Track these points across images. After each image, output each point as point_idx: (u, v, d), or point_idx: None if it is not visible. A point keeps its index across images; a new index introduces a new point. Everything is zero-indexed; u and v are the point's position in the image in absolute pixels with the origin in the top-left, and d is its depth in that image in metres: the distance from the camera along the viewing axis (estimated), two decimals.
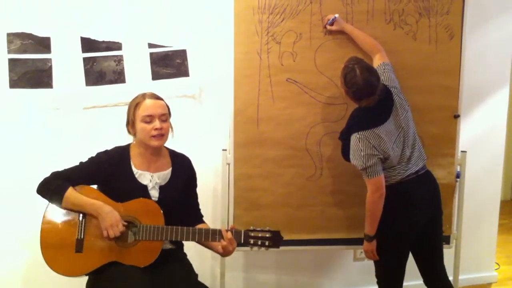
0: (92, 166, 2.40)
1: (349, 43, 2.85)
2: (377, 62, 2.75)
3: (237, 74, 2.81)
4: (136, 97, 2.43)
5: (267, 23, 2.80)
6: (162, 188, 2.42)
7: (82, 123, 2.91)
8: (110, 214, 2.27)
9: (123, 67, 2.92)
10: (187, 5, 2.96)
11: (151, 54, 2.94)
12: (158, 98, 2.43)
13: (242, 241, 2.36)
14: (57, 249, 2.27)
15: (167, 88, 2.95)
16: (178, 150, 2.59)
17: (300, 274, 3.43)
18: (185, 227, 2.33)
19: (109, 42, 2.88)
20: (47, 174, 2.37)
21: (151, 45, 2.94)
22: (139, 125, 2.37)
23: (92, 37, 2.86)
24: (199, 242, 2.43)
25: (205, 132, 3.09)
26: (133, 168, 2.41)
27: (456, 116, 2.96)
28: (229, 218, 2.89)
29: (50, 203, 2.33)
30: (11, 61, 2.78)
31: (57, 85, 2.84)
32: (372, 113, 2.60)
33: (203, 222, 2.58)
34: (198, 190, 2.62)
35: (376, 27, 2.85)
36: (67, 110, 2.88)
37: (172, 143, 2.53)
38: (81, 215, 2.32)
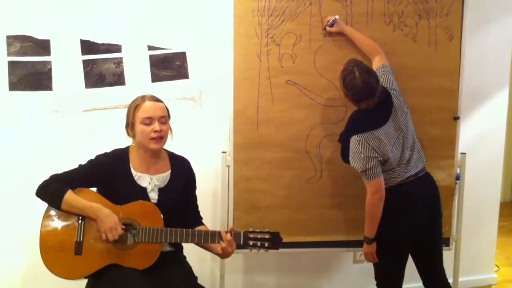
0: (91, 169, 2.39)
1: (348, 45, 2.85)
2: (376, 64, 2.75)
3: (236, 76, 2.81)
4: (136, 99, 2.43)
5: (266, 25, 2.80)
6: (161, 191, 2.42)
7: (82, 125, 2.91)
8: (109, 217, 2.27)
9: (123, 69, 2.92)
10: (186, 7, 2.96)
11: (150, 56, 2.94)
12: (157, 100, 2.43)
13: (242, 243, 2.36)
14: (56, 251, 2.27)
15: (166, 90, 2.95)
16: (178, 152, 2.59)
17: (300, 276, 3.43)
18: (184, 229, 2.32)
19: (109, 44, 2.88)
20: (47, 177, 2.37)
21: (150, 47, 2.94)
22: (139, 127, 2.37)
23: (92, 40, 2.86)
24: (198, 244, 2.43)
25: (205, 134, 3.09)
26: (132, 171, 2.41)
27: (456, 118, 2.96)
28: (228, 220, 2.89)
29: (49, 206, 2.33)
30: (11, 64, 2.78)
31: (56, 88, 2.84)
32: (372, 115, 2.60)
33: (202, 224, 2.58)
34: (198, 192, 2.62)
35: (375, 29, 2.86)
36: (66, 113, 2.88)
37: (172, 145, 2.53)
38: (80, 217, 2.31)
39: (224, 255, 2.38)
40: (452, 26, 2.91)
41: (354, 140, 2.59)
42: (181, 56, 2.99)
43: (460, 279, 3.22)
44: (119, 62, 2.91)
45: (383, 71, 2.72)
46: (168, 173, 2.47)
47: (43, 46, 2.81)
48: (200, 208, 2.62)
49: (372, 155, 2.55)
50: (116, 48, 2.90)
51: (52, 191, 2.31)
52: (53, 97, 2.85)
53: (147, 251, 2.30)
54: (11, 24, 2.76)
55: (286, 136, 2.87)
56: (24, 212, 2.78)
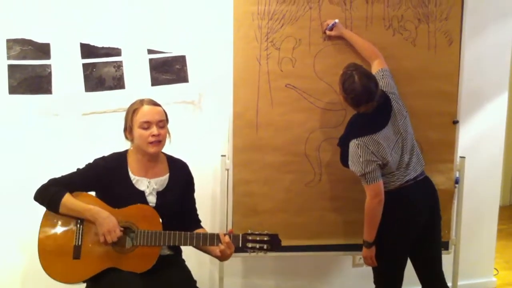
0: (90, 173, 2.40)
1: (348, 49, 2.85)
2: (376, 68, 2.75)
3: (236, 79, 2.82)
4: (134, 103, 2.43)
5: (266, 29, 2.81)
6: (159, 194, 2.42)
7: (81, 129, 2.91)
8: (107, 220, 2.27)
9: (123, 73, 2.92)
10: (186, 11, 2.96)
11: (150, 60, 2.95)
12: (156, 104, 2.43)
13: (240, 245, 2.36)
14: (54, 255, 2.27)
15: (166, 94, 2.95)
16: (178, 155, 2.59)
17: (299, 280, 3.43)
18: (182, 232, 2.32)
19: (109, 48, 2.89)
20: (46, 180, 2.37)
21: (150, 51, 2.94)
22: (137, 131, 2.37)
23: (92, 43, 2.86)
24: (197, 246, 2.43)
25: (204, 138, 3.09)
26: (130, 174, 2.41)
27: (455, 122, 2.96)
28: (227, 223, 2.89)
29: (47, 211, 2.33)
30: (11, 67, 2.78)
31: (56, 91, 2.84)
32: (371, 119, 2.60)
33: (201, 227, 2.58)
34: (197, 195, 2.62)
35: (375, 33, 2.86)
36: (66, 116, 2.88)
37: (172, 148, 2.53)
38: (78, 221, 2.32)
39: (222, 257, 2.38)
40: (451, 30, 2.91)
41: (353, 144, 2.59)
42: (181, 59, 2.99)
43: (459, 282, 3.22)
44: (118, 65, 2.91)
45: (382, 75, 2.72)
46: (166, 176, 2.48)
47: (43, 50, 2.81)
48: (199, 212, 2.62)
49: (371, 159, 2.55)
50: (116, 52, 2.91)
51: (50, 195, 2.32)
52: (53, 101, 2.85)
53: (146, 255, 2.30)
54: (11, 28, 2.76)
55: (286, 140, 2.88)
56: (24, 214, 2.77)
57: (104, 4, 2.86)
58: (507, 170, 5.65)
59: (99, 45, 2.87)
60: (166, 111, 2.48)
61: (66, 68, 2.85)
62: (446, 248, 3.04)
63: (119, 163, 2.43)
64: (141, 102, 2.41)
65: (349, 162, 2.62)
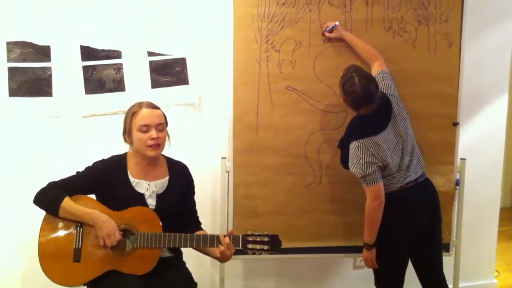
0: (89, 176, 2.40)
1: (348, 51, 2.85)
2: (376, 70, 2.76)
3: (236, 82, 2.82)
4: (133, 106, 2.43)
5: (266, 31, 2.81)
6: (159, 197, 2.42)
7: (81, 131, 2.90)
8: (106, 223, 2.27)
9: (123, 76, 2.92)
10: (186, 13, 2.96)
11: (150, 62, 2.95)
12: (154, 107, 2.43)
13: (241, 246, 2.36)
14: (55, 259, 2.27)
15: (166, 96, 2.96)
16: (178, 157, 2.59)
17: (300, 282, 3.42)
18: (182, 233, 2.32)
19: (109, 50, 2.89)
20: (46, 183, 2.37)
21: (150, 53, 2.94)
22: (136, 134, 2.37)
23: (92, 46, 2.86)
24: (197, 248, 2.43)
25: (205, 140, 3.09)
26: (130, 177, 2.41)
27: (455, 124, 2.96)
28: (228, 226, 2.89)
29: (46, 214, 2.33)
30: (11, 70, 2.78)
31: (56, 94, 2.84)
32: (371, 121, 2.60)
33: (201, 229, 2.57)
34: (198, 198, 2.62)
35: (375, 35, 2.86)
36: (66, 118, 2.88)
37: (172, 151, 2.53)
38: (78, 224, 2.32)
39: (223, 259, 2.38)
40: (451, 32, 2.91)
41: (353, 145, 2.59)
42: (181, 62, 2.99)
43: (460, 284, 3.22)
44: (119, 68, 2.92)
45: (382, 76, 2.72)
46: (166, 179, 2.47)
47: (43, 52, 2.81)
48: (199, 214, 2.62)
49: (371, 160, 2.55)
50: (116, 54, 2.91)
51: (49, 198, 2.32)
52: (53, 103, 2.85)
53: (146, 257, 2.30)
54: (11, 30, 2.76)
55: (286, 142, 2.88)
56: (25, 216, 2.76)
57: (104, 7, 2.86)
58: (508, 172, 5.63)
59: (99, 47, 2.87)
60: (165, 113, 2.48)
61: (66, 71, 2.85)
62: (447, 250, 3.04)
63: (118, 166, 2.43)
64: (140, 105, 2.41)
65: (350, 164, 2.62)
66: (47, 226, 2.32)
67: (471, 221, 3.43)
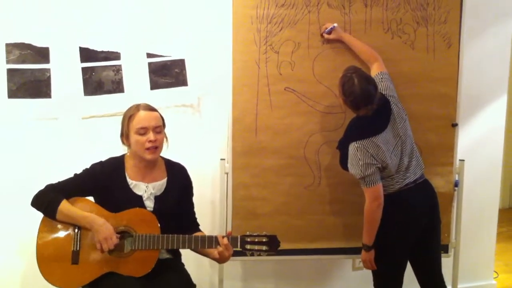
0: (87, 178, 2.40)
1: (347, 52, 2.86)
2: (375, 71, 2.76)
3: (235, 83, 2.82)
4: (130, 109, 2.42)
5: (265, 33, 2.81)
6: (157, 198, 2.42)
7: (80, 132, 2.90)
8: (103, 227, 2.26)
9: (122, 77, 2.92)
10: (185, 15, 2.96)
11: (149, 63, 2.94)
12: (152, 109, 2.42)
13: (239, 247, 2.36)
14: (53, 261, 2.27)
15: (165, 97, 2.95)
16: (177, 159, 2.59)
17: (299, 283, 3.42)
18: (180, 235, 2.32)
19: (108, 52, 2.88)
20: (45, 184, 2.37)
21: (149, 55, 2.94)
22: (133, 137, 2.37)
23: (91, 47, 2.86)
24: (195, 249, 2.43)
25: (204, 141, 3.09)
26: (128, 179, 2.41)
27: (454, 125, 2.96)
28: (227, 227, 2.89)
29: (44, 216, 2.33)
30: (10, 71, 2.78)
31: (55, 95, 2.84)
32: (370, 122, 2.60)
33: (199, 230, 2.58)
34: (197, 199, 2.62)
35: (374, 37, 2.86)
36: (65, 120, 2.88)
37: (171, 152, 2.53)
38: (76, 226, 2.31)
39: (221, 260, 2.38)
40: (450, 33, 2.92)
41: (353, 147, 2.59)
42: (180, 63, 2.99)
43: (459, 286, 3.22)
44: (118, 69, 2.91)
45: (381, 78, 2.72)
46: (164, 181, 2.47)
47: (42, 54, 2.81)
48: (198, 216, 2.62)
49: (370, 162, 2.55)
50: (115, 56, 2.90)
51: (47, 201, 2.32)
52: (52, 105, 2.84)
53: (144, 258, 2.30)
54: (10, 32, 2.76)
55: (285, 143, 2.88)
56: (23, 219, 2.76)
57: (103, 8, 2.86)
58: (507, 173, 5.64)
59: (98, 49, 2.87)
60: (164, 115, 2.48)
61: (65, 72, 2.84)
62: (446, 251, 3.04)
63: (116, 168, 2.42)
64: (137, 107, 2.41)
65: (349, 165, 2.62)
66: (45, 228, 2.32)
67: (470, 222, 3.43)
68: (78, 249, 2.29)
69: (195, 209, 2.61)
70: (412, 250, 2.70)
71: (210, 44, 2.99)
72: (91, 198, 2.42)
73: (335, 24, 2.79)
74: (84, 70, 2.87)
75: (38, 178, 2.44)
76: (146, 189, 2.42)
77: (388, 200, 2.59)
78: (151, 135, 2.35)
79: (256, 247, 2.36)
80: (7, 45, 2.77)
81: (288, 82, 2.85)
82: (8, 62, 2.77)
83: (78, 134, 2.90)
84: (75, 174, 2.42)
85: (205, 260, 2.52)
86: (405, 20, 2.89)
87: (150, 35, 2.93)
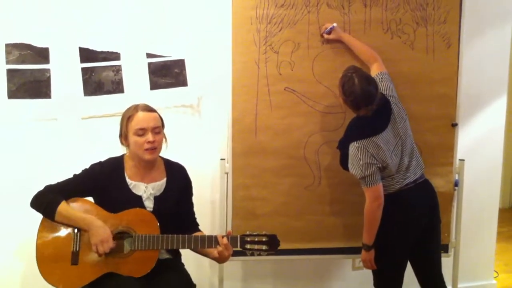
0: (86, 178, 2.40)
1: (346, 52, 2.86)
2: (375, 71, 2.76)
3: (235, 83, 2.82)
4: (129, 109, 2.42)
5: (265, 33, 2.81)
6: (157, 199, 2.42)
7: (80, 133, 2.90)
8: (101, 230, 2.26)
9: (122, 77, 2.92)
10: (185, 15, 2.96)
11: (149, 64, 2.94)
12: (151, 110, 2.42)
13: (239, 246, 2.36)
14: (53, 262, 2.27)
15: (165, 97, 2.95)
16: (177, 159, 2.59)
17: (299, 283, 3.42)
18: (180, 235, 2.32)
19: (108, 52, 2.88)
20: (43, 185, 2.37)
21: (149, 55, 2.94)
22: (132, 138, 2.37)
23: (91, 48, 2.86)
24: (195, 249, 2.43)
25: (203, 142, 3.09)
26: (127, 179, 2.41)
27: (454, 125, 2.96)
28: (227, 227, 2.89)
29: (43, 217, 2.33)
30: (10, 72, 2.78)
31: (55, 95, 2.84)
32: (371, 122, 2.60)
33: (199, 230, 2.58)
34: (197, 200, 2.62)
35: (373, 37, 2.86)
36: (65, 120, 2.88)
37: (171, 152, 2.53)
38: (76, 227, 2.31)
39: (221, 259, 2.38)
40: (449, 33, 2.92)
41: (353, 146, 2.59)
42: (180, 63, 2.99)
43: (459, 285, 3.22)
44: (117, 69, 2.91)
45: (381, 78, 2.72)
46: (164, 181, 2.47)
47: (42, 54, 2.81)
48: (198, 216, 2.62)
49: (371, 161, 2.55)
50: (115, 56, 2.90)
51: (45, 202, 2.32)
52: (52, 105, 2.85)
53: (144, 259, 2.30)
54: (10, 32, 2.76)
55: (285, 143, 2.88)
56: (23, 219, 2.75)
57: (103, 8, 2.86)
58: (507, 173, 5.64)
59: (98, 49, 2.87)
60: (164, 115, 2.48)
61: (65, 73, 2.84)
62: (446, 251, 3.04)
63: (115, 168, 2.42)
64: (136, 108, 2.40)
65: (349, 165, 2.62)
66: (44, 229, 2.32)
67: (470, 222, 3.43)
68: (77, 249, 2.29)
69: (195, 209, 2.62)
70: (412, 250, 2.69)
71: (209, 44, 2.99)
72: (90, 199, 2.42)
73: (335, 24, 2.79)
74: (84, 70, 2.87)
75: (38, 179, 2.44)
76: (146, 189, 2.42)
77: (388, 200, 2.59)
78: (149, 136, 2.35)
79: (256, 247, 2.36)
80: (7, 45, 2.77)
81: (288, 82, 2.85)
82: (8, 62, 2.78)
83: (78, 134, 2.90)
84: (74, 175, 2.42)
85: (205, 260, 2.51)
86: (405, 20, 2.89)
87: (150, 35, 2.93)
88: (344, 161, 2.68)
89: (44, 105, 2.84)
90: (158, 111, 2.47)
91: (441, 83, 2.93)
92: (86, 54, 2.86)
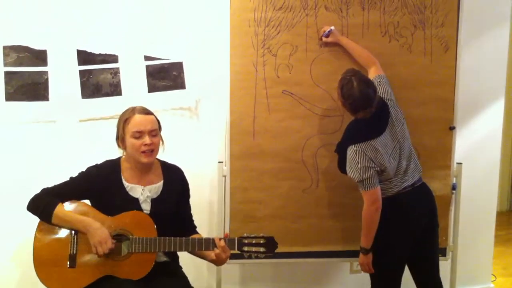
0: (83, 181, 2.39)
1: (344, 56, 2.86)
2: (372, 74, 2.76)
3: (233, 86, 2.82)
4: (126, 112, 2.41)
5: (263, 36, 2.81)
6: (154, 201, 2.42)
7: (78, 135, 2.90)
8: (99, 231, 2.26)
9: (119, 80, 2.92)
10: (183, 17, 2.96)
11: (147, 66, 2.94)
12: (147, 112, 2.41)
13: (236, 249, 2.35)
14: (50, 265, 2.26)
15: (163, 100, 2.95)
16: (175, 162, 2.58)
17: (297, 287, 3.41)
18: (177, 237, 2.31)
19: (105, 54, 2.88)
20: (41, 188, 2.36)
21: (147, 58, 2.94)
22: (129, 140, 2.36)
23: (89, 50, 2.85)
24: (192, 252, 2.42)
25: (201, 144, 3.09)
26: (124, 182, 2.40)
27: (452, 128, 2.97)
28: (225, 230, 2.88)
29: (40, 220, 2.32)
30: (7, 74, 2.78)
31: (53, 98, 2.83)
32: (369, 125, 2.60)
33: (196, 233, 2.57)
34: (194, 202, 2.61)
35: (371, 40, 2.87)
36: (63, 123, 2.88)
37: (168, 155, 2.53)
38: (73, 230, 2.31)
39: (218, 262, 2.37)
40: (447, 36, 2.92)
41: (351, 150, 2.59)
42: (178, 66, 2.99)
43: None
44: (115, 72, 2.91)
45: (379, 81, 2.73)
46: (161, 183, 2.47)
47: (39, 57, 2.80)
48: (196, 219, 2.61)
49: (369, 165, 2.55)
50: (113, 59, 2.90)
51: (42, 205, 2.31)
52: (50, 107, 2.84)
53: (141, 261, 2.29)
54: (7, 35, 2.76)
55: (283, 146, 2.88)
56: (20, 222, 2.74)
57: (101, 11, 2.86)
58: (504, 176, 5.66)
59: (96, 51, 2.87)
60: (162, 118, 2.47)
61: (63, 75, 2.84)
62: (444, 255, 3.04)
63: (112, 171, 2.42)
64: (133, 111, 2.39)
65: (347, 168, 2.62)
66: (42, 232, 2.31)
67: (468, 226, 3.42)
68: (75, 252, 2.28)
69: (193, 212, 2.61)
70: (410, 253, 2.69)
71: (208, 47, 2.99)
72: (87, 202, 2.41)
73: (332, 27, 2.80)
74: (82, 73, 2.87)
75: (36, 181, 2.43)
76: (143, 192, 2.41)
77: (386, 203, 2.59)
78: (146, 139, 2.35)
79: (254, 249, 2.35)
80: (5, 47, 2.76)
81: (286, 85, 2.85)
82: (5, 64, 2.77)
83: (75, 137, 2.90)
84: (71, 178, 2.42)
85: (203, 263, 2.51)
86: (403, 23, 2.89)
87: (148, 38, 2.93)
88: (342, 164, 2.68)
89: (42, 108, 2.83)
90: (156, 113, 2.46)
91: (438, 86, 2.94)
92: (84, 57, 2.86)
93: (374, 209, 2.57)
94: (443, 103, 2.95)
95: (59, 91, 2.84)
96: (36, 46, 2.80)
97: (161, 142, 2.44)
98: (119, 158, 2.47)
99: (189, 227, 2.56)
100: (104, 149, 2.61)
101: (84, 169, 2.43)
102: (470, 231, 3.51)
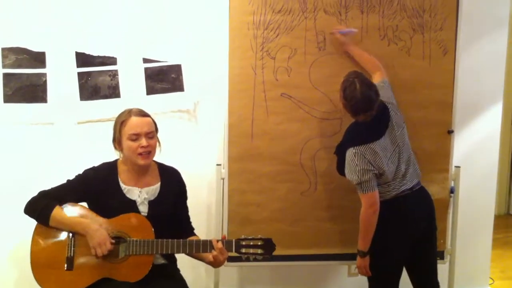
0: (80, 184, 2.39)
1: (343, 59, 2.86)
2: (377, 79, 2.75)
3: (231, 89, 2.82)
4: (122, 114, 2.41)
5: (261, 39, 2.81)
6: (151, 203, 2.41)
7: (76, 137, 2.90)
8: (98, 233, 2.26)
9: (118, 82, 2.92)
10: (182, 20, 2.97)
11: (146, 69, 2.95)
12: (144, 115, 2.41)
13: (234, 250, 2.35)
14: (47, 268, 2.26)
15: (161, 103, 2.96)
16: (173, 164, 2.58)
17: None
18: (175, 239, 2.31)
19: (104, 57, 2.89)
20: (39, 190, 2.36)
21: (146, 60, 2.94)
22: (126, 143, 2.36)
23: (87, 52, 2.86)
24: (189, 254, 2.42)
25: (200, 147, 3.09)
26: (121, 184, 2.40)
27: (450, 132, 2.97)
28: (223, 233, 2.88)
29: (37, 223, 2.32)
30: (6, 76, 2.78)
31: (51, 100, 2.84)
32: (369, 128, 2.60)
33: (194, 235, 2.57)
34: (192, 204, 2.61)
35: (370, 43, 2.87)
36: (61, 125, 2.88)
37: (167, 157, 2.53)
38: (70, 232, 2.30)
39: (216, 263, 2.37)
40: (446, 40, 2.93)
41: (350, 152, 2.59)
42: (177, 68, 2.99)
43: None
44: (114, 74, 2.92)
45: (382, 85, 2.72)
46: (158, 185, 2.46)
47: (38, 59, 2.81)
48: (194, 221, 2.61)
49: (367, 168, 2.55)
50: (111, 61, 2.91)
51: (39, 207, 2.31)
52: (48, 109, 2.85)
53: (139, 264, 2.29)
54: (6, 37, 2.76)
55: (281, 149, 2.88)
56: (18, 224, 2.74)
57: (100, 13, 2.86)
58: (502, 179, 5.66)
59: (95, 54, 2.87)
60: (160, 120, 2.47)
61: (61, 77, 2.84)
62: (442, 258, 3.04)
63: (109, 173, 2.42)
64: (129, 113, 2.39)
65: (346, 171, 2.62)
66: (39, 234, 2.31)
67: (466, 229, 3.42)
68: (72, 255, 2.28)
69: (191, 214, 2.60)
70: (408, 256, 2.69)
71: (206, 50, 2.99)
72: (84, 204, 2.41)
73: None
74: (80, 75, 2.87)
75: (34, 183, 2.43)
76: (140, 194, 2.41)
77: (384, 206, 2.59)
78: (143, 141, 2.34)
79: (251, 251, 2.35)
80: (3, 49, 2.78)
81: (285, 88, 2.85)
82: (4, 66, 2.78)
83: (74, 139, 2.90)
84: (68, 180, 2.42)
85: (201, 265, 2.51)
86: (401, 27, 2.89)
87: (146, 40, 2.93)
88: (340, 167, 2.68)
89: (40, 110, 2.84)
90: (154, 116, 2.46)
91: (437, 90, 2.94)
92: (83, 59, 2.87)
93: (372, 212, 2.57)
94: (441, 107, 2.95)
95: (58, 93, 2.85)
96: (35, 48, 2.80)
97: (158, 144, 2.44)
98: (116, 161, 2.47)
99: (187, 229, 2.55)
100: (102, 151, 2.61)
101: (81, 172, 2.43)
102: (468, 234, 3.51)
